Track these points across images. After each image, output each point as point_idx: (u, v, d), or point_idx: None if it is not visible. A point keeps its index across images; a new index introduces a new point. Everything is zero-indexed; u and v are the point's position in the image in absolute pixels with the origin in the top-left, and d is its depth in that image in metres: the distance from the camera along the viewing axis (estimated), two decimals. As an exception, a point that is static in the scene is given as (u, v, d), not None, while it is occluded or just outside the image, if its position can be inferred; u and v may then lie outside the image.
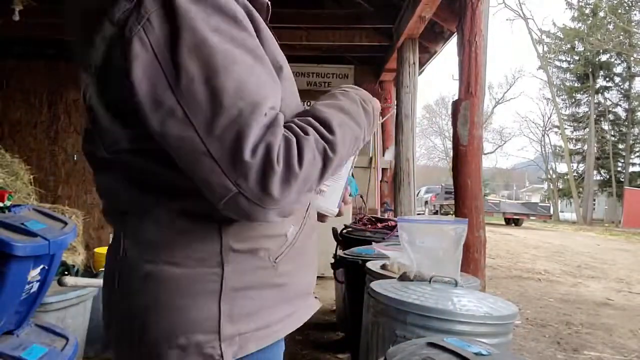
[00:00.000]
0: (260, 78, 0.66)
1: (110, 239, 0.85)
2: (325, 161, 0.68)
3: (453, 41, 4.38)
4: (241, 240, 0.74)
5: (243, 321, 0.73)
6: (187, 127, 0.63)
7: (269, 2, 0.81)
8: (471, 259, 2.77)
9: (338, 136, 0.70)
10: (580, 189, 28.85)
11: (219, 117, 0.62)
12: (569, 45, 30.12)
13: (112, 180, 0.76)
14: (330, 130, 0.70)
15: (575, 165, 30.59)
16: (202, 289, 0.72)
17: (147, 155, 0.70)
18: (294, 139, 0.65)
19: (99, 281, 2.30)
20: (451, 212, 12.31)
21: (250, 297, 0.74)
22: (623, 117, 29.65)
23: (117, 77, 0.65)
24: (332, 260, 3.03)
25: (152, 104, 0.64)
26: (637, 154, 29.74)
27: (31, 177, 3.66)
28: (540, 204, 22.00)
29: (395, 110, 5.35)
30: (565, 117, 31.07)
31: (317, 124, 0.69)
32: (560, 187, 32.19)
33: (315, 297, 0.89)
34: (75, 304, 2.26)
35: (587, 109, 29.61)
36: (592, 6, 28.44)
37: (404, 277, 1.97)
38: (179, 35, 0.63)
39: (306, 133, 0.67)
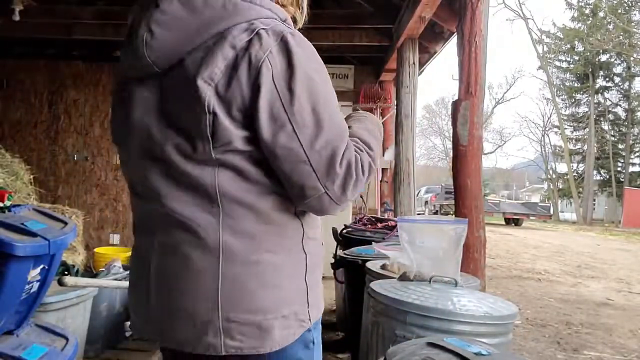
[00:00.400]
0: (338, 109, 0.91)
1: (146, 235, 0.95)
2: (370, 171, 0.94)
3: (453, 41, 4.38)
4: (311, 229, 0.97)
5: (314, 291, 0.97)
6: (294, 140, 0.85)
7: None
8: (471, 259, 2.77)
9: (375, 152, 0.98)
10: (580, 189, 28.85)
11: (319, 137, 0.86)
12: (568, 46, 30.12)
13: (209, 177, 0.87)
14: (371, 148, 0.97)
15: (575, 165, 30.59)
16: (295, 271, 0.94)
17: (252, 157, 0.87)
18: (359, 156, 0.92)
19: (99, 281, 2.30)
20: (451, 212, 12.28)
21: (316, 273, 0.98)
22: (623, 117, 29.65)
23: (241, 90, 0.83)
24: (332, 260, 3.03)
25: (269, 118, 0.84)
26: (637, 154, 29.74)
27: (31, 177, 3.66)
28: (540, 204, 22.00)
29: (395, 110, 5.35)
30: (565, 117, 31.07)
31: (363, 145, 0.96)
32: (560, 187, 32.18)
33: None
34: (75, 304, 2.26)
35: (587, 109, 29.61)
36: (592, 6, 28.44)
37: (404, 277, 1.97)
38: (294, 70, 0.84)
39: (362, 151, 0.94)
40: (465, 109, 2.87)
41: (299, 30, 1.05)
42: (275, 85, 0.83)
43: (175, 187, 0.90)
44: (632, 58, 27.03)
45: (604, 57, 28.85)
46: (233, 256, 0.88)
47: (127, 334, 2.98)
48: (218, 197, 0.87)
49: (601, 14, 27.88)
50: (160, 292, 0.92)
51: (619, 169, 29.45)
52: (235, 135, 0.85)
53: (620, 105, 29.91)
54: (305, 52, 0.87)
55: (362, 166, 0.91)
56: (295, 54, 0.85)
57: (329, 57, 6.27)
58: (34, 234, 1.55)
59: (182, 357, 0.94)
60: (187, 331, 0.89)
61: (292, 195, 0.90)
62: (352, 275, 2.65)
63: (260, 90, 0.83)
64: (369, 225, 3.43)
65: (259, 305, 0.89)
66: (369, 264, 2.29)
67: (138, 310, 0.98)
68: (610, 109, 29.68)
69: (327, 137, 0.87)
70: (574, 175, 29.27)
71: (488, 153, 38.77)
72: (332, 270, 3.04)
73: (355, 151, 0.92)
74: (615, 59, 28.68)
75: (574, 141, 31.23)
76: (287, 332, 0.91)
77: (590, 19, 28.50)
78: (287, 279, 0.92)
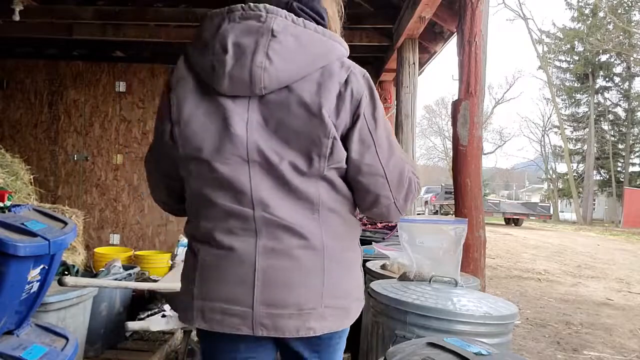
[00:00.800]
0: None
1: (252, 234, 1.05)
2: (420, 190, 1.25)
3: (453, 41, 4.37)
4: None
5: (363, 276, 1.24)
6: (375, 158, 1.07)
7: None
8: (471, 259, 2.77)
9: (418, 178, 1.22)
10: (580, 189, 28.85)
11: (392, 158, 1.10)
12: (568, 46, 30.11)
13: (314, 189, 1.06)
14: (414, 174, 1.19)
15: (575, 165, 30.58)
16: (359, 263, 1.19)
17: (342, 172, 1.09)
18: (415, 177, 1.17)
19: (99, 281, 2.30)
20: (451, 212, 12.28)
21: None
22: (623, 117, 29.64)
23: (345, 117, 1.03)
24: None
25: (359, 140, 1.05)
26: (637, 154, 29.73)
27: (31, 177, 3.65)
28: (540, 204, 21.98)
29: (395, 110, 5.35)
30: (565, 117, 31.07)
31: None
32: (560, 187, 32.18)
33: None
34: (75, 304, 2.26)
35: (586, 109, 29.61)
36: (591, 6, 28.44)
37: (404, 277, 1.97)
38: (375, 102, 1.07)
39: (413, 174, 1.17)
40: (465, 109, 2.87)
41: None
42: (365, 114, 1.04)
43: (283, 197, 1.05)
44: (632, 58, 27.02)
45: (603, 57, 28.84)
46: (331, 255, 1.08)
47: (127, 334, 2.98)
48: (319, 206, 1.07)
49: (601, 14, 27.87)
50: (270, 289, 1.05)
51: (619, 169, 29.45)
52: (344, 155, 1.05)
53: (620, 105, 29.90)
54: (374, 88, 1.11)
55: (417, 185, 1.18)
56: (373, 89, 1.08)
57: (329, 57, 6.25)
58: (34, 234, 1.55)
59: (244, 341, 1.11)
60: (293, 319, 1.06)
61: (364, 204, 1.14)
62: (352, 275, 2.64)
63: (358, 118, 1.04)
64: (369, 225, 3.43)
65: (345, 292, 1.12)
66: (369, 264, 2.29)
67: (231, 305, 1.06)
68: (610, 109, 29.67)
69: (397, 158, 1.11)
70: (574, 175, 29.26)
71: (488, 153, 38.82)
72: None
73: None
74: (615, 59, 28.67)
75: (574, 141, 31.22)
76: (358, 310, 1.16)
77: (590, 19, 28.50)
78: (357, 270, 1.17)
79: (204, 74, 1.03)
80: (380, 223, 3.43)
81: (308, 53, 1.02)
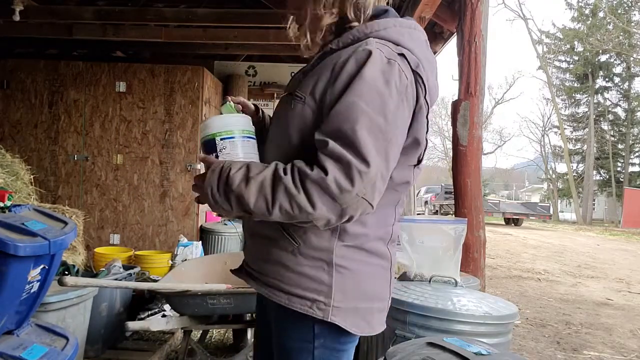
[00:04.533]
0: None
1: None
2: None
3: (453, 41, 4.37)
4: None
5: None
6: None
7: None
8: (471, 259, 2.77)
9: None
10: (580, 189, 28.84)
11: None
12: (568, 46, 30.11)
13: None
14: None
15: (575, 165, 30.57)
16: None
17: None
18: None
19: (99, 281, 2.30)
20: (451, 212, 12.30)
21: None
22: (622, 117, 29.64)
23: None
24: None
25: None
26: (637, 154, 29.73)
27: (31, 177, 3.64)
28: (539, 204, 21.98)
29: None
30: (565, 118, 31.06)
31: None
32: (560, 187, 32.18)
33: None
34: (75, 304, 2.26)
35: (586, 109, 29.60)
36: (591, 6, 28.44)
37: (404, 277, 1.97)
38: None
39: None
40: (465, 109, 2.87)
41: None
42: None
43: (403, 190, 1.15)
44: (631, 58, 27.01)
45: (603, 57, 28.83)
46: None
47: (127, 334, 2.98)
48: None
49: (601, 14, 27.86)
50: None
51: (618, 169, 29.44)
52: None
53: (620, 106, 29.90)
54: None
55: None
56: None
57: (329, 57, 6.24)
58: (34, 234, 1.55)
59: None
60: None
61: None
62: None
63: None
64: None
65: None
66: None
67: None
68: (610, 109, 29.66)
69: None
70: (574, 175, 29.25)
71: (488, 153, 38.85)
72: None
73: None
74: (615, 59, 28.66)
75: (573, 141, 31.22)
76: None
77: (590, 19, 28.49)
78: None
79: (432, 90, 1.16)
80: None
81: None
